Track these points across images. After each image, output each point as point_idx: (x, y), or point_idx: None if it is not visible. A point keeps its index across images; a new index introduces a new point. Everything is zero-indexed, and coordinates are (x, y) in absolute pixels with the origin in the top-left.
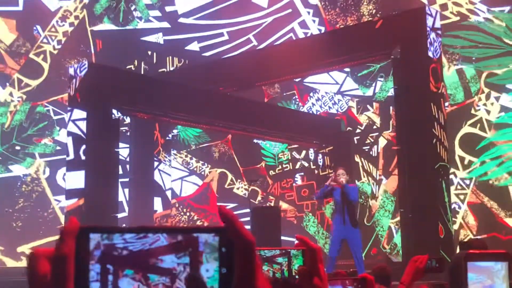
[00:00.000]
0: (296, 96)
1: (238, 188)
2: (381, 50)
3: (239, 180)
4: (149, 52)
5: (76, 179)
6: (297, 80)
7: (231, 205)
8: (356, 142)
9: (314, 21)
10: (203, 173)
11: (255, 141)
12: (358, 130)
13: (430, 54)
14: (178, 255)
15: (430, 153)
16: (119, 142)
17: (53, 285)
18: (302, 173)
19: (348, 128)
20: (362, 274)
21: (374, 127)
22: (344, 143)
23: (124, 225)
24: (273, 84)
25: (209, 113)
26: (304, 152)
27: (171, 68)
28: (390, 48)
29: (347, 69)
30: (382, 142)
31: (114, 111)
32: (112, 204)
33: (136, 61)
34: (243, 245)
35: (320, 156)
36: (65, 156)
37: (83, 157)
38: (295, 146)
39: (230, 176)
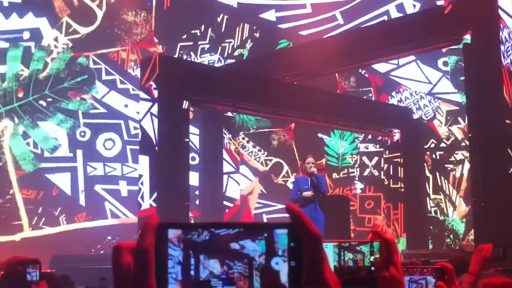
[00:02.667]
0: (372, 94)
1: (292, 183)
2: (451, 36)
3: (295, 174)
4: (219, 18)
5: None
6: (383, 72)
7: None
8: (438, 157)
9: (414, 6)
10: (258, 159)
11: (319, 135)
12: (443, 144)
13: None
14: (255, 238)
15: (502, 140)
16: (189, 132)
17: (135, 276)
18: (360, 182)
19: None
20: (440, 263)
21: (463, 144)
22: (414, 132)
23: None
24: (346, 75)
25: (276, 103)
26: (376, 159)
27: (239, 40)
28: (460, 34)
29: (444, 68)
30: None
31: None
32: (183, 193)
33: (203, 26)
34: (311, 240)
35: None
36: (105, 120)
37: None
38: (366, 150)
39: (286, 168)
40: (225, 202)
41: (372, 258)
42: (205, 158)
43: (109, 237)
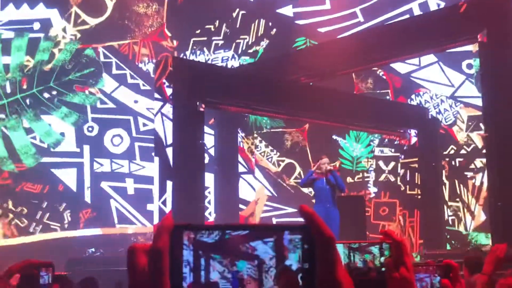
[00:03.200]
0: (389, 97)
1: None
2: (466, 35)
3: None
4: (234, 14)
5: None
6: (403, 73)
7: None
8: (457, 164)
9: (438, 4)
10: (270, 159)
11: (334, 137)
12: (463, 151)
13: None
14: (265, 239)
15: None
16: (203, 134)
17: (150, 277)
18: (374, 187)
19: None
20: (446, 260)
21: (484, 151)
22: (431, 132)
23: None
24: (364, 76)
25: (290, 104)
26: (392, 164)
27: (254, 37)
28: (475, 32)
29: (468, 71)
30: None
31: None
32: (199, 194)
33: (217, 22)
34: (324, 242)
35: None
36: (113, 116)
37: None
38: (382, 154)
39: (298, 169)
40: (240, 205)
41: (382, 259)
42: (220, 160)
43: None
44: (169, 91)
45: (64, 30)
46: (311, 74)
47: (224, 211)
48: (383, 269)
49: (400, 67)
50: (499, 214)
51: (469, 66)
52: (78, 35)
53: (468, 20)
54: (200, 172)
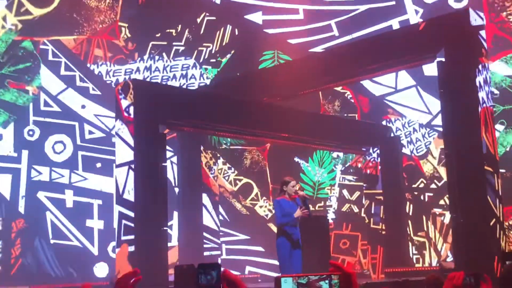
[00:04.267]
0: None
1: (260, 207)
2: (425, 53)
3: (264, 198)
4: (199, 19)
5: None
6: (377, 94)
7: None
8: (426, 199)
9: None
10: (227, 178)
11: (296, 159)
12: (433, 186)
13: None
14: None
15: (477, 158)
16: (166, 156)
17: None
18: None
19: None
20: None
21: None
22: (393, 150)
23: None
24: (331, 98)
25: (253, 124)
26: (357, 193)
27: (218, 46)
28: (434, 51)
29: None
30: None
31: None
32: (161, 217)
33: (180, 26)
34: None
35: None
36: (57, 120)
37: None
38: (347, 182)
39: (255, 190)
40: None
41: None
42: (183, 180)
43: None
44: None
45: (4, 18)
46: (273, 94)
47: (188, 236)
48: None
49: (375, 88)
50: (460, 230)
51: None
52: (20, 26)
53: (427, 39)
54: (162, 195)
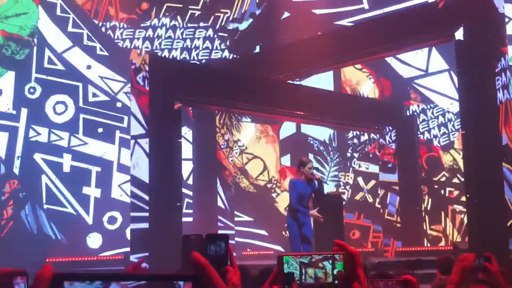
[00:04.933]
0: None
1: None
2: (443, 32)
3: (273, 177)
4: None
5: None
6: (406, 77)
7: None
8: (446, 193)
9: None
10: (236, 153)
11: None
12: (456, 180)
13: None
14: None
15: (495, 138)
16: (181, 132)
17: None
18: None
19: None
20: (404, 276)
21: None
22: (408, 128)
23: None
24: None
25: (268, 101)
26: (372, 182)
27: (237, 12)
28: (452, 30)
29: None
30: None
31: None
32: (176, 194)
33: None
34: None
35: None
36: (61, 79)
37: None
38: (362, 169)
39: (265, 168)
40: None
41: (335, 272)
42: (198, 160)
43: None
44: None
45: None
46: (289, 72)
47: (202, 211)
48: (336, 282)
49: (403, 69)
50: (476, 211)
51: None
52: None
53: (445, 17)
54: (177, 171)
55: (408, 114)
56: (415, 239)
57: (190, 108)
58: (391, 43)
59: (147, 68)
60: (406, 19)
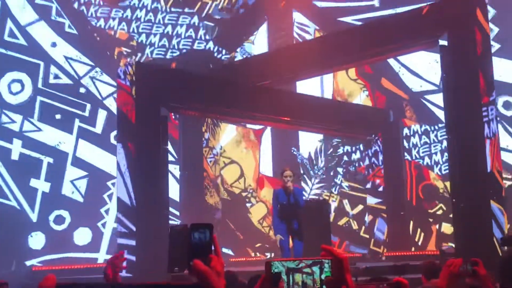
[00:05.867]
0: None
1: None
2: (428, 37)
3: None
4: None
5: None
6: (415, 90)
7: None
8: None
9: None
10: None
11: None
12: None
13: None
14: None
15: (480, 144)
16: (167, 139)
17: None
18: None
19: None
20: (396, 278)
21: None
22: (393, 134)
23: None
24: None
25: (253, 107)
26: (360, 208)
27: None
28: (437, 35)
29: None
30: None
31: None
32: (162, 201)
33: None
34: (337, 261)
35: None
36: (20, 55)
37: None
38: (348, 191)
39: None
40: None
41: (323, 277)
42: (185, 162)
43: None
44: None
45: None
46: (273, 79)
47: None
48: (324, 287)
49: (414, 84)
50: (461, 215)
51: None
52: None
53: (430, 23)
54: (163, 178)
55: (391, 120)
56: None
57: (173, 114)
58: (378, 48)
59: (128, 71)
60: (392, 25)
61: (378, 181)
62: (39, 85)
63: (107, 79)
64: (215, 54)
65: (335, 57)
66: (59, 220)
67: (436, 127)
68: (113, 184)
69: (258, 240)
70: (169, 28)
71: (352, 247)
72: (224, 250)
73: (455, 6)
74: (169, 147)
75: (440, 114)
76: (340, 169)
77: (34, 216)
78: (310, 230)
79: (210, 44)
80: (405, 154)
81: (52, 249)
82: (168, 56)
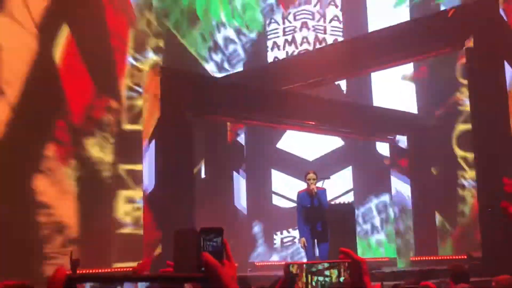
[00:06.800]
0: None
1: None
2: (454, 41)
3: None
4: None
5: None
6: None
7: None
8: None
9: None
10: None
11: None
12: None
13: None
14: None
15: (507, 146)
16: (192, 145)
17: None
18: None
19: None
20: (424, 282)
21: None
22: (420, 134)
23: None
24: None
25: (278, 112)
26: None
27: None
28: (463, 38)
29: None
30: None
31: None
32: (190, 203)
33: None
34: (354, 264)
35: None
36: None
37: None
38: None
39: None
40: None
41: (342, 279)
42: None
43: None
44: None
45: None
46: (302, 83)
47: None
48: None
49: None
50: (489, 220)
51: None
52: None
53: (455, 26)
54: (190, 182)
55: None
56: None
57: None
58: (403, 52)
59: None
60: (417, 28)
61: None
62: None
63: None
64: None
65: (362, 61)
66: None
67: None
68: None
69: None
70: None
71: None
72: None
73: (479, 9)
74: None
75: None
76: None
77: None
78: (335, 235)
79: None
80: None
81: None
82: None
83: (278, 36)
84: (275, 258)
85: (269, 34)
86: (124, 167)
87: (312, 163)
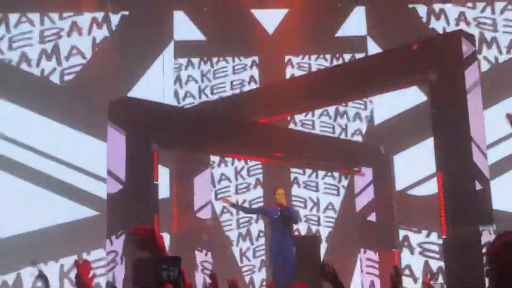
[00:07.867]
0: None
1: None
2: (417, 74)
3: None
4: None
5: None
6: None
7: None
8: None
9: None
10: None
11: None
12: None
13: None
14: None
15: (469, 177)
16: (157, 174)
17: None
18: None
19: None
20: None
21: None
22: (384, 167)
23: None
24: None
25: (244, 143)
26: None
27: None
28: (426, 72)
29: None
30: None
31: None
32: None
33: None
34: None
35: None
36: None
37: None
38: None
39: None
40: None
41: None
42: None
43: None
44: None
45: None
46: (265, 114)
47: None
48: None
49: None
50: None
51: None
52: None
53: (418, 60)
54: (154, 213)
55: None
56: None
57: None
58: (369, 85)
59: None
60: (383, 62)
61: None
62: None
63: None
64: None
65: (327, 94)
66: None
67: None
68: None
69: None
70: None
71: None
72: None
73: (441, 43)
74: None
75: None
76: None
77: None
78: (302, 268)
79: None
80: None
81: None
82: None
83: None
84: None
85: None
86: None
87: None
